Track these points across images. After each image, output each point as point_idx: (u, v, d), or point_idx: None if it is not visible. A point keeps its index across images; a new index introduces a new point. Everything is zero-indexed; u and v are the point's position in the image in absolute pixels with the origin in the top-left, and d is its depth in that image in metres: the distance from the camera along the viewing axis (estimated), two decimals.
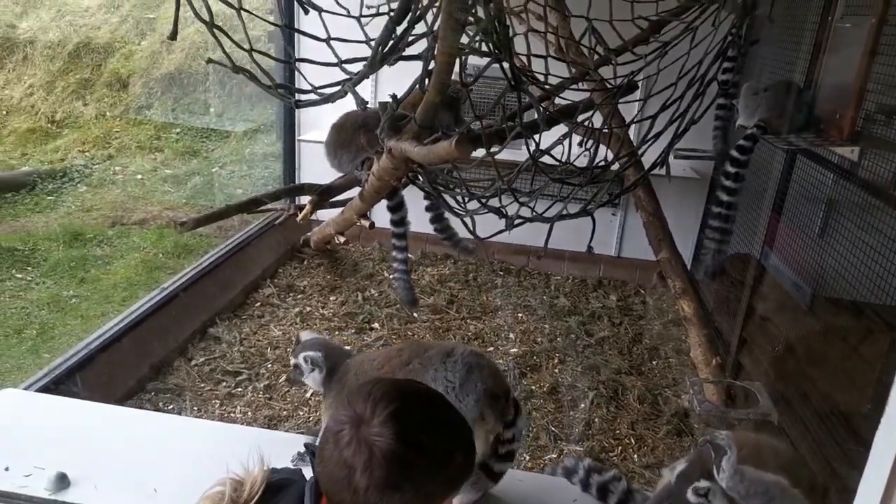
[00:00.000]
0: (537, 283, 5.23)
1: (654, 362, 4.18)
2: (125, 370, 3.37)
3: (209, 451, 1.76)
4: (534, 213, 2.66)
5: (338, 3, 2.43)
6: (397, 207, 3.06)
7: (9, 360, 4.04)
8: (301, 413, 3.39)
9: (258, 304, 4.55)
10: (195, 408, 3.34)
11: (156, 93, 8.44)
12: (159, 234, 6.03)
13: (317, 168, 5.52)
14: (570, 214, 2.68)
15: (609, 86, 2.89)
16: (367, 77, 1.97)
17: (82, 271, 5.19)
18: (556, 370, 3.97)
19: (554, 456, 3.22)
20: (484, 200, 2.49)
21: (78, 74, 8.64)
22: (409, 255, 3.76)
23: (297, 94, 2.05)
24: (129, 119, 8.23)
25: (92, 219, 6.38)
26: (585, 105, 2.77)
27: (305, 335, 1.84)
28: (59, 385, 2.95)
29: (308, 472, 1.28)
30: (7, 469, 1.66)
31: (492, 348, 4.18)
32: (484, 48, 1.97)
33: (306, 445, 1.76)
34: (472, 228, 2.65)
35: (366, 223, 3.15)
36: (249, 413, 3.34)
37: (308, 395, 3.52)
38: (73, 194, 6.91)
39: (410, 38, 1.92)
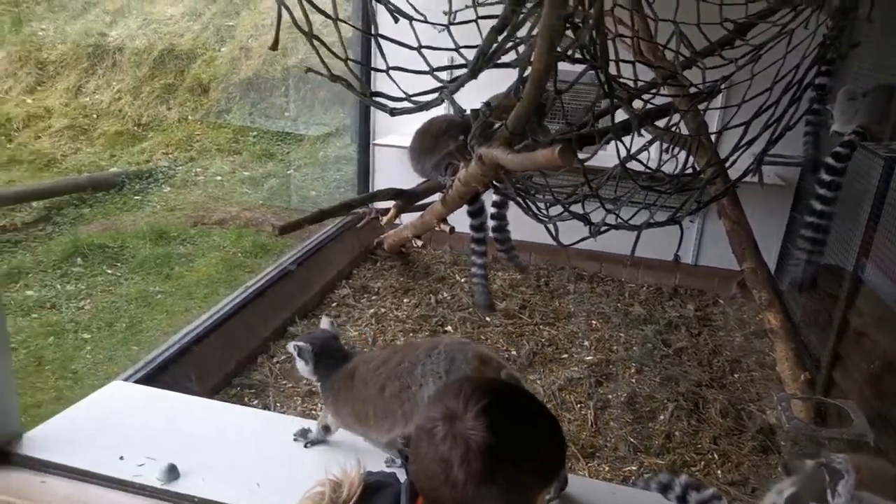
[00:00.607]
0: (611, 290, 5.15)
1: (735, 375, 4.05)
2: (213, 365, 3.50)
3: (307, 450, 1.81)
4: (618, 220, 2.63)
5: (417, 11, 2.45)
6: (478, 213, 3.07)
7: (101, 352, 4.26)
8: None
9: (334, 304, 4.65)
10: (277, 403, 3.44)
11: (234, 97, 8.74)
12: (238, 234, 6.24)
13: (391, 172, 5.63)
14: (657, 222, 2.64)
15: (696, 90, 2.82)
16: (465, 84, 1.98)
17: (167, 268, 5.43)
18: (633, 380, 3.89)
19: (634, 468, 3.16)
20: (567, 206, 2.47)
21: (162, 80, 9.04)
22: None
23: (392, 102, 2.08)
24: (209, 122, 8.55)
25: (175, 218, 6.66)
26: (674, 109, 2.72)
27: (324, 323, 1.89)
28: (151, 378, 3.08)
29: (402, 476, 1.31)
30: (122, 458, 1.75)
31: (566, 355, 4.14)
32: (578, 55, 1.96)
33: (400, 451, 1.78)
34: (555, 235, 2.65)
35: (445, 227, 3.17)
36: None
37: None
38: (158, 194, 7.23)
39: (508, 46, 1.92)
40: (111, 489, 1.65)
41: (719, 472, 3.18)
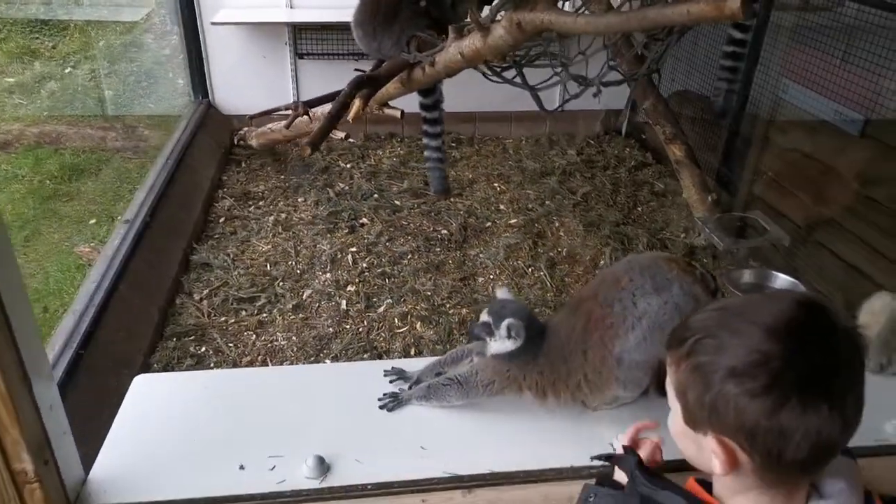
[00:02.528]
0: (495, 150, 5.14)
1: (639, 209, 4.36)
2: (136, 319, 2.92)
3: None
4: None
5: None
6: (431, 91, 2.76)
7: None
8: (346, 327, 3.18)
9: (222, 219, 4.07)
10: (229, 344, 3.01)
11: None
12: (35, 157, 5.09)
13: (229, 55, 4.85)
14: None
15: None
16: None
17: None
18: (561, 233, 4.01)
19: None
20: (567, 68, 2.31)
21: None
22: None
23: None
24: None
25: None
26: None
27: (501, 294, 1.55)
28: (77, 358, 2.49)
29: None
30: (242, 468, 1.39)
31: (489, 223, 4.12)
32: None
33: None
34: (540, 102, 2.53)
35: (394, 112, 2.81)
36: (294, 338, 3.07)
37: (344, 306, 3.29)
38: None
39: None
40: None
41: None
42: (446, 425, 1.53)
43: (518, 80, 2.47)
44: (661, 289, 1.42)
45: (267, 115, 3.39)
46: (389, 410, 1.55)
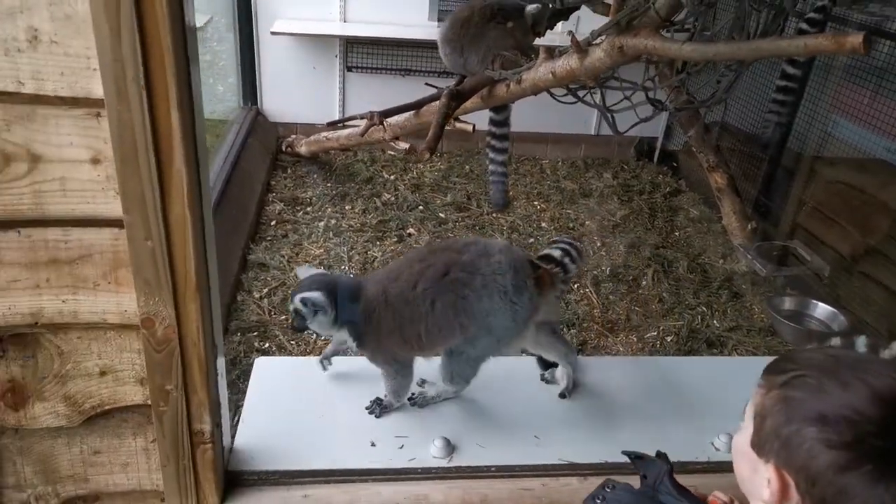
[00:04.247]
0: (532, 170, 5.27)
1: (676, 233, 4.47)
2: None
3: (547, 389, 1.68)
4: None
5: None
6: (504, 108, 2.89)
7: None
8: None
9: (273, 222, 4.17)
10: (291, 341, 3.10)
11: None
12: None
13: (284, 67, 4.99)
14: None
15: None
16: None
17: None
18: (603, 252, 4.12)
19: (654, 334, 3.42)
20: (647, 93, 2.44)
21: None
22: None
23: None
24: None
25: None
26: None
27: (302, 271, 1.66)
28: None
29: None
30: (373, 444, 1.47)
31: (532, 239, 4.22)
32: None
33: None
34: (613, 123, 2.63)
35: (466, 126, 2.93)
36: None
37: None
38: None
39: None
40: (389, 482, 1.39)
41: (715, 321, 3.58)
42: (560, 417, 1.62)
43: (589, 99, 2.61)
44: (518, 289, 1.56)
45: (342, 124, 3.51)
46: (377, 416, 1.64)
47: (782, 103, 3.45)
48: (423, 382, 1.72)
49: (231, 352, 2.96)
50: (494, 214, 4.41)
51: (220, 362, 1.30)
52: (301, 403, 1.61)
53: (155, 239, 1.10)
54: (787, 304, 3.55)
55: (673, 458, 1.46)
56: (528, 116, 4.00)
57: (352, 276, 3.51)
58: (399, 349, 1.60)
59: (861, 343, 1.94)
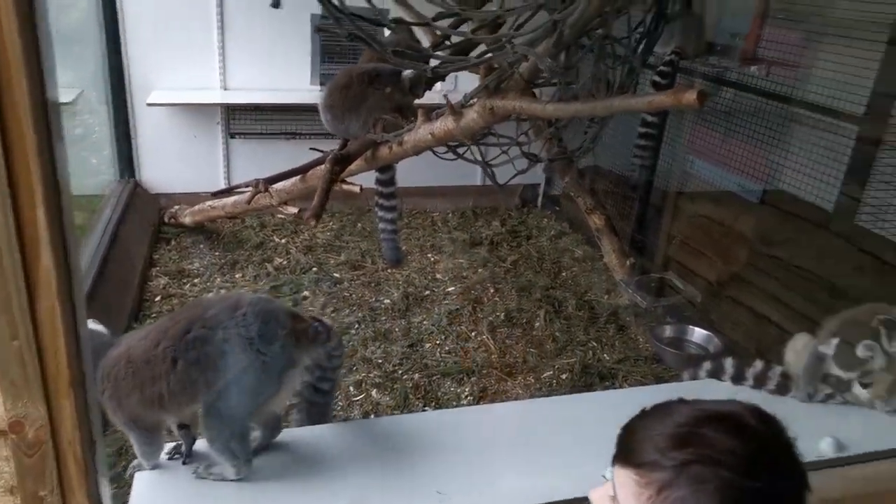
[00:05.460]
0: (424, 222, 5.38)
1: (563, 274, 4.69)
2: None
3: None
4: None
5: None
6: (389, 168, 2.97)
7: None
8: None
9: (158, 298, 4.00)
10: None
11: None
12: None
13: (161, 136, 4.87)
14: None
15: None
16: None
17: None
18: (497, 298, 4.25)
19: (550, 373, 3.54)
20: (521, 147, 2.60)
21: None
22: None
23: None
24: None
25: None
26: None
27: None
28: None
29: None
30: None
31: (428, 291, 4.29)
32: None
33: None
34: (494, 176, 2.78)
35: (353, 188, 2.98)
36: None
37: None
38: None
39: None
40: None
41: (605, 355, 3.76)
42: (464, 471, 1.65)
43: (469, 156, 2.74)
44: (267, 339, 1.54)
45: (227, 193, 3.46)
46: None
47: (644, 147, 3.76)
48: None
49: (116, 441, 2.78)
50: (390, 270, 4.45)
51: (101, 459, 1.24)
52: None
53: (22, 338, 1.05)
54: (668, 331, 3.80)
55: (575, 493, 1.53)
56: (417, 171, 4.11)
57: None
58: (142, 410, 1.56)
59: (728, 365, 2.11)
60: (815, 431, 1.85)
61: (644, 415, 1.03)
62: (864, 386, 1.97)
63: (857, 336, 1.95)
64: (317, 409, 1.83)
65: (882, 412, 1.99)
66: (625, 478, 0.97)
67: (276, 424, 1.70)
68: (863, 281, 2.88)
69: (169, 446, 1.69)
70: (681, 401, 1.03)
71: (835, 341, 1.99)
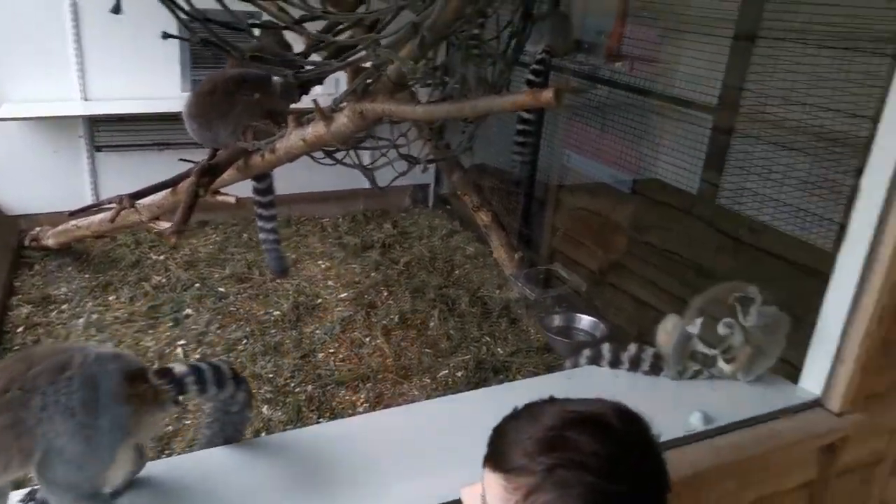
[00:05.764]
0: (314, 229, 5.27)
1: (456, 272, 4.73)
2: None
3: None
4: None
5: None
6: (265, 176, 2.87)
7: None
8: (187, 422, 3.04)
9: (20, 328, 3.68)
10: None
11: None
12: None
13: (14, 152, 4.48)
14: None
15: None
16: None
17: None
18: (391, 301, 4.22)
19: (445, 371, 3.56)
20: (399, 150, 2.58)
21: None
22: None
23: None
24: None
25: None
26: None
27: None
28: None
29: None
30: None
31: (320, 300, 4.20)
32: None
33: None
34: (374, 180, 2.75)
35: (228, 199, 2.85)
36: None
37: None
38: None
39: None
40: None
41: (499, 349, 3.82)
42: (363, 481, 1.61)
43: (348, 160, 2.69)
44: (91, 410, 1.36)
45: (88, 211, 3.22)
46: None
47: (524, 144, 3.85)
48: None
49: None
50: (277, 280, 4.32)
51: None
52: None
53: None
54: (557, 320, 3.91)
55: None
56: (303, 177, 4.00)
57: None
58: None
59: (606, 350, 2.19)
60: (685, 406, 1.95)
61: (514, 416, 1.02)
62: (728, 361, 2.10)
63: (717, 314, 2.07)
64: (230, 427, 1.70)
65: (744, 382, 2.13)
66: (493, 482, 0.96)
67: (136, 460, 1.56)
68: (725, 259, 3.08)
69: (22, 492, 1.54)
70: (551, 400, 1.04)
71: (699, 320, 2.10)
